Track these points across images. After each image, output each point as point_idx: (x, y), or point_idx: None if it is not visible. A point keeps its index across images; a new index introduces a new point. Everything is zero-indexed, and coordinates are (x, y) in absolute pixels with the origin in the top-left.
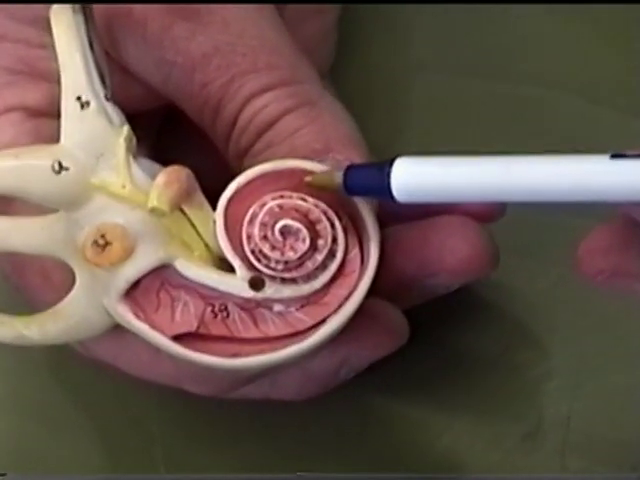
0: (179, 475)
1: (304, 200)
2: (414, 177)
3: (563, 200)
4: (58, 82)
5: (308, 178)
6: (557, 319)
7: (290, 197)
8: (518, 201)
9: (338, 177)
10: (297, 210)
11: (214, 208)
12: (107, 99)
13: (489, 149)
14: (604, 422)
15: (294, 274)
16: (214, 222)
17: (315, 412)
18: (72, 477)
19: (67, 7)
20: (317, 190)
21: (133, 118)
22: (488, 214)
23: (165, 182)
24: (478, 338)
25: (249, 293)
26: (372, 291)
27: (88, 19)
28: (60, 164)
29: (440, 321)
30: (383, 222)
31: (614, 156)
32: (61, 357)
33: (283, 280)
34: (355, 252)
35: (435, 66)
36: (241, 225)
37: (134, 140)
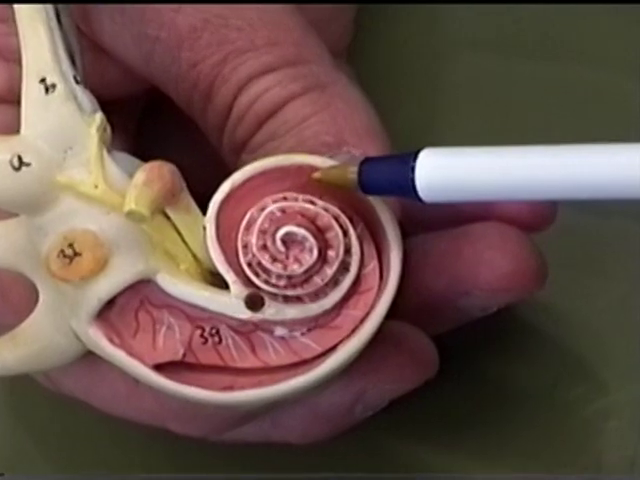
0: (179, 475)
1: (312, 203)
2: (443, 171)
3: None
4: (19, 62)
5: (317, 174)
6: (618, 347)
7: (295, 199)
8: (570, 199)
9: (352, 172)
10: (303, 215)
11: (204, 212)
12: (77, 82)
13: (536, 141)
14: None
15: (299, 291)
16: (204, 229)
17: (324, 458)
18: (71, 477)
19: None
20: (327, 189)
21: (108, 105)
22: (534, 220)
23: (145, 181)
24: (523, 370)
25: (245, 314)
26: (393, 313)
27: None
28: (20, 159)
29: (476, 350)
30: (407, 230)
31: None
32: (21, 391)
33: (286, 298)
34: (373, 266)
35: (474, 44)
36: (236, 232)
37: (109, 130)
